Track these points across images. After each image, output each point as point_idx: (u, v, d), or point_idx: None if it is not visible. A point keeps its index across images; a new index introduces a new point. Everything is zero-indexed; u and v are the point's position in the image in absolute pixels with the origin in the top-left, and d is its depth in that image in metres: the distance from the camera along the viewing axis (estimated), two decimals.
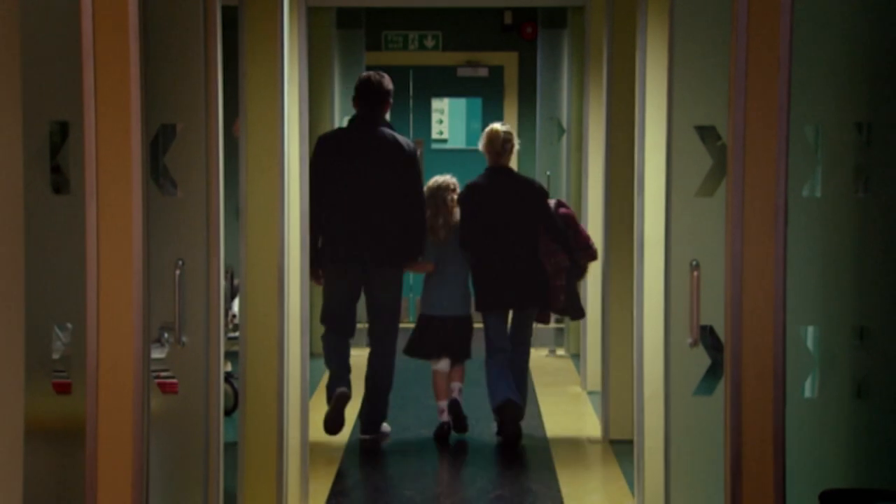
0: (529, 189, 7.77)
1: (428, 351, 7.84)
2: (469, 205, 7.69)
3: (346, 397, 7.52)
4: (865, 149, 3.91)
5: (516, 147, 7.85)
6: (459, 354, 7.81)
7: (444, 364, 7.81)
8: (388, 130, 7.61)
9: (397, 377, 7.87)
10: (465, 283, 7.82)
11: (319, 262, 7.48)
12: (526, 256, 7.62)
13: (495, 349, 7.71)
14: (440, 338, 7.79)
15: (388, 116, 7.72)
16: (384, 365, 7.68)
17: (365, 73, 7.82)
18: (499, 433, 7.71)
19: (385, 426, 7.82)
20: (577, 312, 8.01)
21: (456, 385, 7.84)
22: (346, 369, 7.61)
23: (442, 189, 7.76)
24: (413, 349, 7.89)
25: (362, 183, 7.47)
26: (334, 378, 7.60)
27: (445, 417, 7.76)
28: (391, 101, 7.70)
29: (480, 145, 7.83)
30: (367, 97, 7.62)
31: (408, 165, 7.55)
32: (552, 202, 7.83)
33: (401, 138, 7.62)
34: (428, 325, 7.81)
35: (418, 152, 7.86)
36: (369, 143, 7.54)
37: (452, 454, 7.54)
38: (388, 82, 7.69)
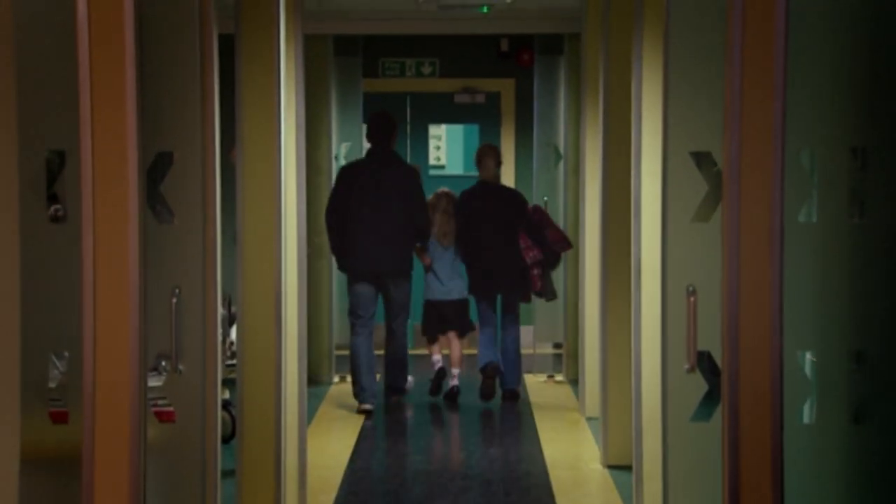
0: (512, 197, 9.75)
1: (436, 329, 9.83)
2: (464, 210, 9.65)
3: (370, 412, 9.31)
4: (861, 174, 3.91)
5: (502, 163, 9.99)
6: (461, 328, 9.79)
7: (438, 357, 9.85)
8: (396, 159, 9.47)
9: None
10: (460, 273, 9.78)
11: (342, 266, 9.47)
12: (509, 251, 9.49)
13: (485, 325, 9.73)
14: (444, 317, 9.78)
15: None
16: (400, 345, 9.65)
17: (374, 113, 9.62)
18: (481, 394, 9.65)
19: (409, 380, 9.92)
20: (551, 294, 9.84)
21: (455, 370, 9.82)
22: (372, 378, 9.41)
23: (447, 195, 9.78)
24: (427, 329, 9.84)
25: (378, 205, 9.22)
26: (360, 388, 9.34)
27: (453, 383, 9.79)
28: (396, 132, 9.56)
29: (475, 162, 9.83)
30: (379, 132, 9.40)
31: (415, 184, 9.41)
32: (530, 207, 9.77)
33: (406, 165, 9.65)
34: (432, 308, 9.79)
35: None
36: (382, 171, 9.29)
37: (453, 484, 7.52)
38: (392, 117, 9.60)
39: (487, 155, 9.77)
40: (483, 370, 9.72)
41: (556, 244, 9.64)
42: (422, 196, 9.41)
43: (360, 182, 9.22)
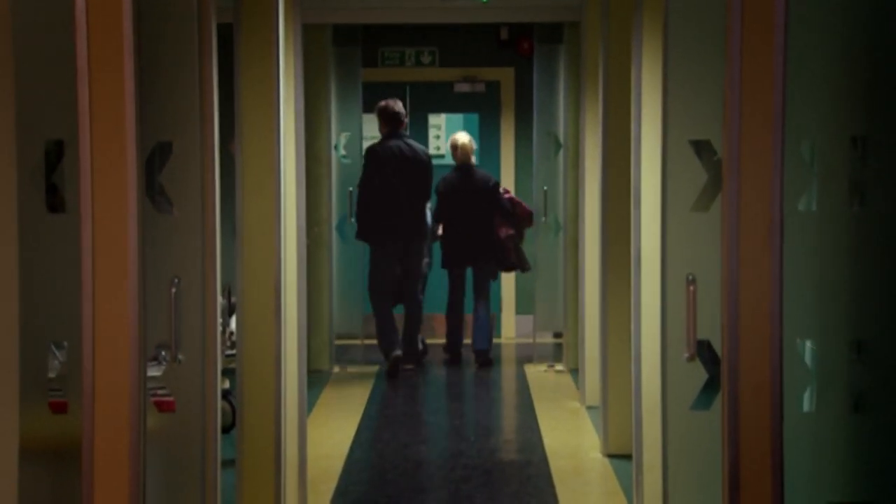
0: (486, 181, 10.97)
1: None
2: (443, 191, 10.93)
3: (400, 359, 10.47)
4: (861, 163, 3.91)
5: (476, 148, 11.36)
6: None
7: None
8: (410, 142, 10.70)
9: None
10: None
11: (366, 236, 10.61)
12: (482, 227, 10.85)
13: (454, 291, 11.04)
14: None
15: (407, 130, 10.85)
16: (417, 309, 10.78)
17: (382, 102, 10.82)
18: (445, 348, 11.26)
19: (421, 343, 10.98)
20: (525, 265, 11.01)
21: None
22: (395, 332, 10.51)
23: None
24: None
25: (397, 182, 10.49)
26: (387, 341, 10.42)
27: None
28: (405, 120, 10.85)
29: (451, 149, 11.12)
30: (390, 120, 10.72)
31: (427, 169, 10.71)
32: (501, 190, 11.15)
33: (418, 147, 10.77)
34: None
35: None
36: (399, 153, 10.58)
37: (454, 473, 7.53)
38: (400, 106, 10.85)
39: (466, 146, 11.14)
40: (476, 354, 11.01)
41: (523, 220, 10.95)
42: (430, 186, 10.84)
43: (383, 162, 10.57)
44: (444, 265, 11.06)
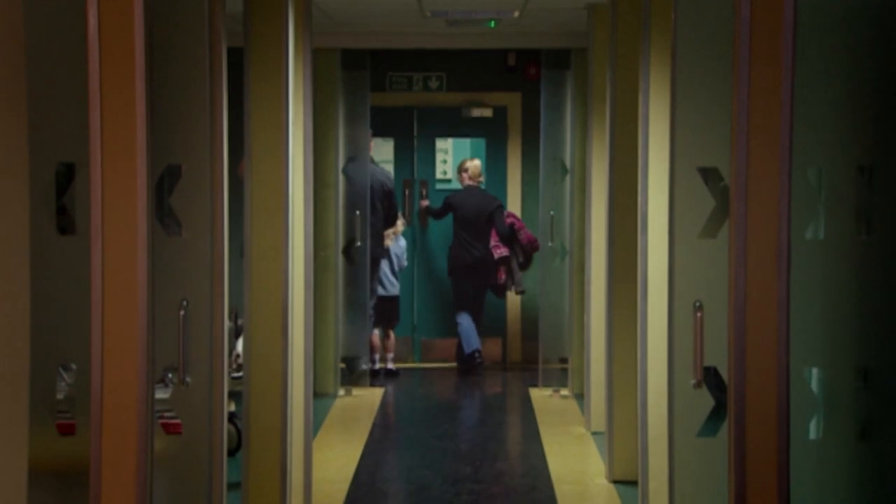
0: (489, 202, 11.82)
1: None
2: (453, 204, 11.83)
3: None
4: (867, 191, 3.92)
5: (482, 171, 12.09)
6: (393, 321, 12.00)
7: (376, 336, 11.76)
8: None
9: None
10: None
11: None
12: (481, 246, 11.65)
13: (460, 306, 11.82)
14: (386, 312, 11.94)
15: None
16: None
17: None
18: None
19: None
20: (517, 287, 11.75)
21: (389, 355, 11.85)
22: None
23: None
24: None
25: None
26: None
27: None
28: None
29: (460, 171, 12.00)
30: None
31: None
32: (506, 213, 11.84)
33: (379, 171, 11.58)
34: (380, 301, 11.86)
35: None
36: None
37: (459, 499, 7.52)
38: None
39: (475, 167, 12.13)
40: (470, 356, 11.70)
41: (527, 245, 11.55)
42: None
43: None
44: (449, 273, 11.94)
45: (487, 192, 12.12)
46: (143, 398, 3.78)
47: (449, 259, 11.96)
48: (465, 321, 11.77)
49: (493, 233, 11.68)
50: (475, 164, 12.01)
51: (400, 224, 11.92)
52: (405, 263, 12.04)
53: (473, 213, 11.75)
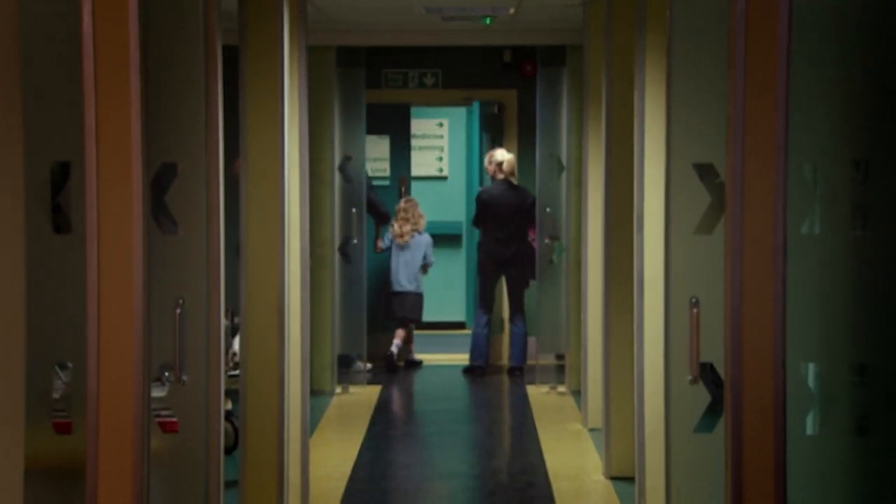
0: (525, 197, 11.52)
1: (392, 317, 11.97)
2: (484, 200, 11.52)
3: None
4: (863, 186, 3.92)
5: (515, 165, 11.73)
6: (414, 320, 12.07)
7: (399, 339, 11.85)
8: None
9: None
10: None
11: None
12: (517, 239, 11.44)
13: (484, 305, 11.62)
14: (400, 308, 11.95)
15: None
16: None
17: None
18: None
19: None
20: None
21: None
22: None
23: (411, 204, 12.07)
24: (387, 314, 12.04)
25: None
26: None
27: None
28: None
29: (493, 165, 11.53)
30: None
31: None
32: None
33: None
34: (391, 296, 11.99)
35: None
36: None
37: (456, 496, 7.52)
38: None
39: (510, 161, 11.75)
40: (470, 370, 11.61)
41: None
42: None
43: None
44: (478, 270, 11.74)
45: (520, 186, 11.74)
46: (140, 396, 3.77)
47: (479, 255, 11.78)
48: (479, 329, 11.63)
49: (530, 227, 11.40)
50: (509, 160, 11.62)
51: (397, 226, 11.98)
52: (432, 260, 12.08)
53: (508, 211, 11.45)
